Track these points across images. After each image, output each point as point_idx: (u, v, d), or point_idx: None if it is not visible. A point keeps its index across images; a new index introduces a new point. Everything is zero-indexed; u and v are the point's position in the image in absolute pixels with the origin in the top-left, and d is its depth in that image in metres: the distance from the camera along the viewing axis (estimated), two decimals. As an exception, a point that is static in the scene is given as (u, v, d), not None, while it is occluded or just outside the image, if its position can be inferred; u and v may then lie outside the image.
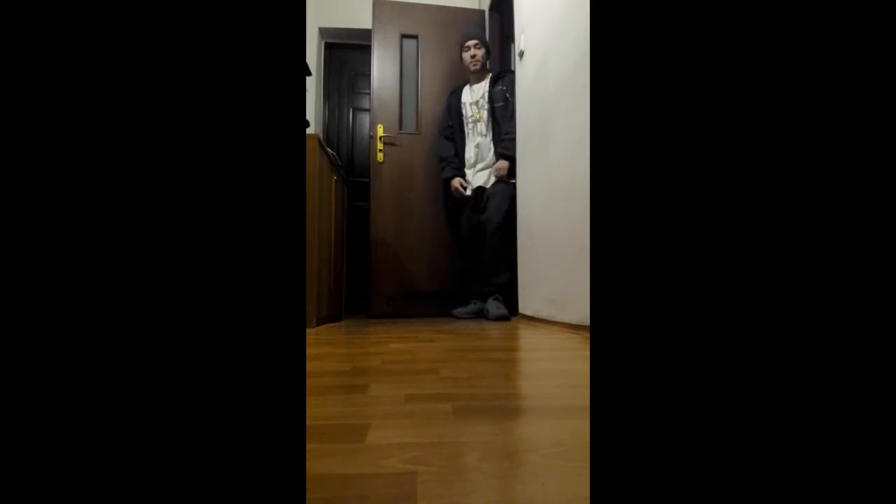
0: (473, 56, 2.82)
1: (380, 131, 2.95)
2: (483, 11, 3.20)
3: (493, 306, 2.46)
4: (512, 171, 2.59)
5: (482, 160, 2.79)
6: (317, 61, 3.46)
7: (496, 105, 2.76)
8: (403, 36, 3.06)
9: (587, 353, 1.15)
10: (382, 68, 3.01)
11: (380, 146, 2.94)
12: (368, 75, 3.19)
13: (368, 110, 3.42)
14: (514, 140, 2.57)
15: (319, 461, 0.46)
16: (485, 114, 2.82)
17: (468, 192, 2.77)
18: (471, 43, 2.83)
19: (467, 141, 2.88)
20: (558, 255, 1.81)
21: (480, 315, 2.63)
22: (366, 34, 3.27)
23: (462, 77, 2.99)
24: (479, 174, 2.80)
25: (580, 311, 1.57)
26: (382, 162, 2.94)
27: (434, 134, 3.02)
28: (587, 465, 0.44)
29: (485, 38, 2.89)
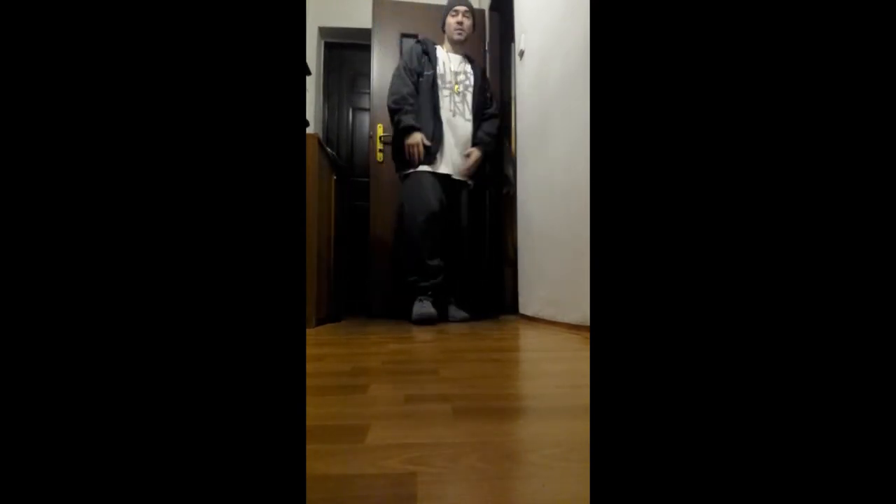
0: (460, 24, 2.40)
1: (379, 131, 2.94)
2: (483, 11, 3.20)
3: (452, 309, 2.34)
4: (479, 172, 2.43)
5: (459, 143, 2.35)
6: (316, 61, 3.46)
7: (475, 94, 2.40)
8: (403, 35, 3.05)
9: (587, 354, 1.15)
10: (382, 68, 3.01)
11: (379, 146, 2.93)
12: (368, 75, 3.18)
13: (368, 110, 3.42)
14: (494, 137, 2.42)
15: (319, 462, 0.46)
16: (469, 96, 2.40)
17: (438, 170, 2.28)
18: (460, 8, 2.40)
19: (440, 106, 2.33)
20: (558, 256, 1.81)
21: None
22: (365, 34, 3.27)
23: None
24: (451, 158, 2.32)
25: (580, 311, 1.57)
26: (382, 162, 2.93)
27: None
28: (587, 465, 0.44)
29: (474, 9, 2.49)
